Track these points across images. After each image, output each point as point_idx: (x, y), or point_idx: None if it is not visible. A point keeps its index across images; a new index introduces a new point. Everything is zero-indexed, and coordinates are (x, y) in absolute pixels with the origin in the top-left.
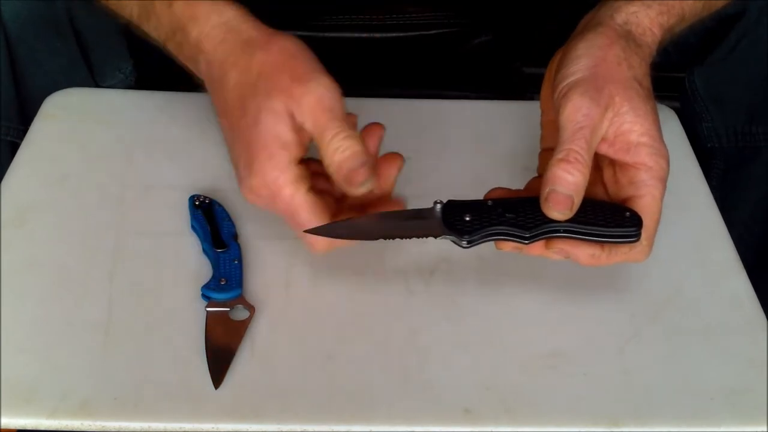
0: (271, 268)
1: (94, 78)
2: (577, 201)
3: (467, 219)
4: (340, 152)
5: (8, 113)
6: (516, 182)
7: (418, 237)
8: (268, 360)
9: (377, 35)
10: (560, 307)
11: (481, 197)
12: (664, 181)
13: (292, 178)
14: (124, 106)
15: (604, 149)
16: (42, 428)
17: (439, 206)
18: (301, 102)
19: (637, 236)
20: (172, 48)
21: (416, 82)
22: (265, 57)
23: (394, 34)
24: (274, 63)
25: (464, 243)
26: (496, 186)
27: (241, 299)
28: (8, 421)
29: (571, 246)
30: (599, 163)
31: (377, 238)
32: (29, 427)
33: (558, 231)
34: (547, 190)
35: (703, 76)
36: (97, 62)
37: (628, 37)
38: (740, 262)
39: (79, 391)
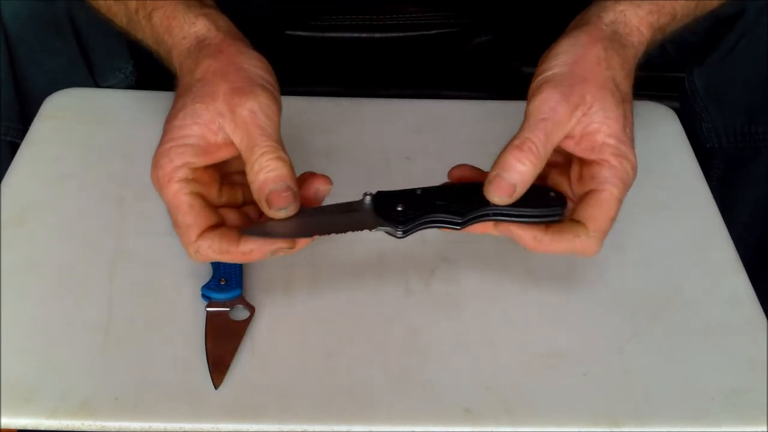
0: (271, 268)
1: (94, 78)
2: (520, 190)
3: (399, 209)
4: (265, 172)
5: (8, 113)
6: None
7: (353, 230)
8: (268, 360)
9: (377, 35)
10: (560, 307)
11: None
12: (626, 183)
13: (183, 176)
14: (124, 106)
15: (571, 146)
16: (42, 428)
17: (369, 198)
18: (234, 113)
19: (559, 215)
20: (161, 57)
21: (416, 82)
22: (210, 63)
23: (394, 34)
24: (216, 70)
25: (399, 233)
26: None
27: (241, 299)
28: (8, 421)
29: (515, 227)
30: (568, 159)
31: (312, 235)
32: (29, 427)
33: (488, 215)
34: (494, 173)
35: (702, 76)
36: (97, 62)
37: (612, 37)
38: (740, 262)
39: (79, 391)
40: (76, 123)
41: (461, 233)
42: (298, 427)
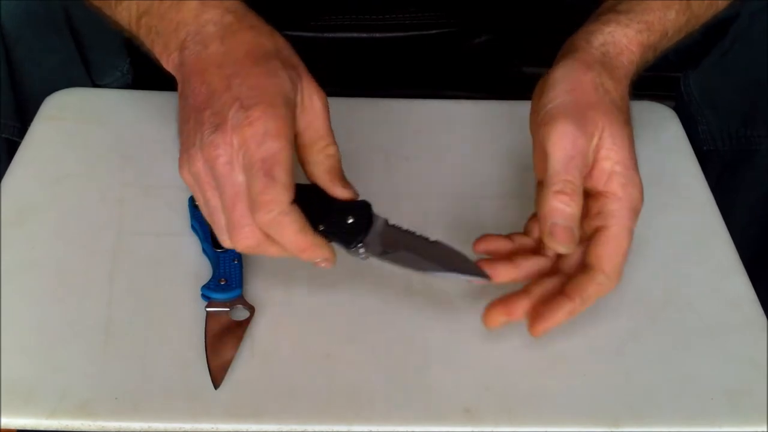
0: (271, 268)
1: (91, 76)
2: (577, 233)
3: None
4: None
5: (6, 111)
6: (516, 182)
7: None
8: (268, 360)
9: (377, 35)
10: None
11: (480, 197)
12: (635, 211)
13: (290, 134)
14: (124, 106)
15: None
16: (42, 428)
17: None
18: (312, 97)
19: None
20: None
21: (416, 82)
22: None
23: (394, 34)
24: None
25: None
26: (496, 192)
27: (241, 299)
28: (8, 421)
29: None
30: None
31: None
32: (29, 427)
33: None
34: (548, 224)
35: (698, 79)
36: (94, 60)
37: (603, 60)
38: (740, 262)
39: (78, 391)
40: (75, 123)
41: (463, 232)
42: (298, 427)
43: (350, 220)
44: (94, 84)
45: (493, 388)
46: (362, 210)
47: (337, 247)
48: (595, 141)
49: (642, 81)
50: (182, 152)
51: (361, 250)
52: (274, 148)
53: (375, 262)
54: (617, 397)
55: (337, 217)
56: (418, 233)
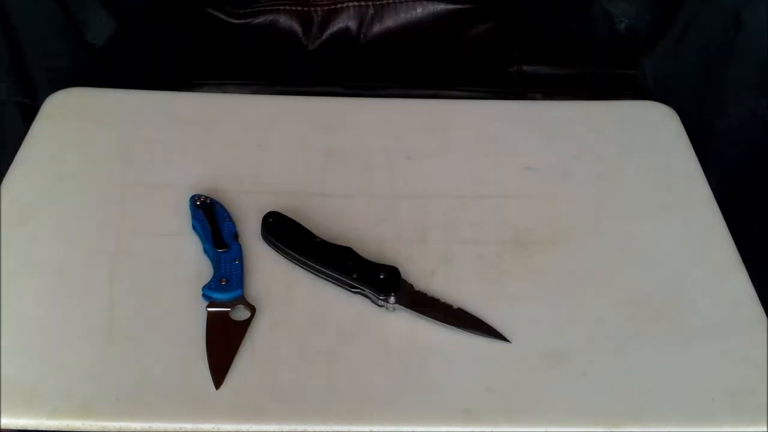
0: (272, 268)
1: (84, 37)
2: None
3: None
4: None
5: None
6: (516, 182)
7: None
8: (268, 360)
9: (376, 28)
10: (560, 307)
11: (481, 197)
12: None
13: None
14: (124, 106)
15: None
16: (43, 428)
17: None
18: None
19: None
20: None
21: (416, 81)
22: None
23: (392, 25)
24: None
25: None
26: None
27: (241, 299)
28: (9, 421)
29: None
30: None
31: None
32: (30, 427)
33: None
34: None
35: (652, 64)
36: (82, 20)
37: None
38: (741, 261)
39: (79, 391)
40: (76, 123)
41: (463, 232)
42: (298, 427)
43: (382, 276)
44: (82, 39)
45: (493, 388)
46: (392, 271)
47: (361, 303)
48: None
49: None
50: None
51: (392, 299)
52: None
53: (401, 312)
54: (617, 397)
55: (369, 272)
56: (442, 300)
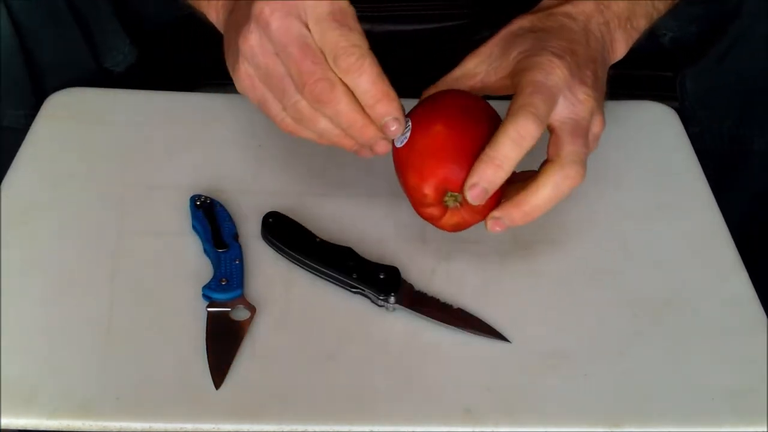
0: (272, 268)
1: (98, 60)
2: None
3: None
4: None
5: (26, 102)
6: None
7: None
8: (268, 360)
9: (377, 28)
10: (560, 307)
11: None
12: (561, 57)
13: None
14: (125, 106)
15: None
16: (43, 428)
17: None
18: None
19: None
20: None
21: (417, 80)
22: None
23: (394, 27)
24: None
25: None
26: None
27: (241, 299)
28: (9, 421)
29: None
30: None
31: None
32: (30, 427)
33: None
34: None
35: (693, 78)
36: (99, 43)
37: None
38: (741, 262)
39: (79, 391)
40: (76, 123)
41: (463, 231)
42: (298, 427)
43: (382, 276)
44: (101, 67)
45: (493, 388)
46: (392, 271)
47: (361, 303)
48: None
49: (642, 81)
50: (233, 39)
51: (392, 299)
52: (342, 2)
53: (401, 312)
54: (617, 397)
55: (369, 272)
56: (442, 300)
